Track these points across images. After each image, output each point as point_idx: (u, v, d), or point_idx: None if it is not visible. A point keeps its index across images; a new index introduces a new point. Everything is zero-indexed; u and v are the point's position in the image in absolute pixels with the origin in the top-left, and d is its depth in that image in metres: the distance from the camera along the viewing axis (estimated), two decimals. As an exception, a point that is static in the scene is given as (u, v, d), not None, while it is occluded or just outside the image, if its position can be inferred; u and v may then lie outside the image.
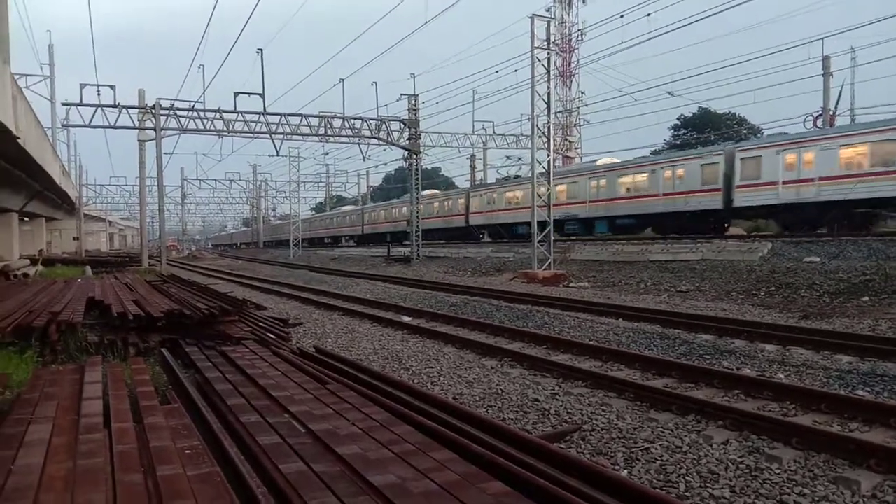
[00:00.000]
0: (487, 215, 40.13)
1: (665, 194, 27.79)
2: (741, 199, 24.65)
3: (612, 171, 31.30)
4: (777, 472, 4.67)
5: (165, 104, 28.64)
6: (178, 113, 28.96)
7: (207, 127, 29.41)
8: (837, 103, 32.54)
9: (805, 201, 22.57)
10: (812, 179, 22.20)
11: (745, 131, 48.19)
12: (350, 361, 7.68)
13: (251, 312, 12.15)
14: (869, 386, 7.02)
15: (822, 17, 35.34)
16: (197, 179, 62.83)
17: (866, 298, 13.61)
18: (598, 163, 34.26)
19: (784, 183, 23.05)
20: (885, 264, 15.46)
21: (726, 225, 27.72)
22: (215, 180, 64.59)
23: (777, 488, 4.39)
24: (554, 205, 23.47)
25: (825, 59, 32.05)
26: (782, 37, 31.40)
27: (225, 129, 29.72)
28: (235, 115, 29.38)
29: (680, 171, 27.31)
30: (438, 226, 45.31)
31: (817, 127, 30.53)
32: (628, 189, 29.79)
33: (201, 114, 29.23)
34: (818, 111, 32.66)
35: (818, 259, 17.55)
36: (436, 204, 46.30)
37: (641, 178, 29.32)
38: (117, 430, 4.27)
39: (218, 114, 29.27)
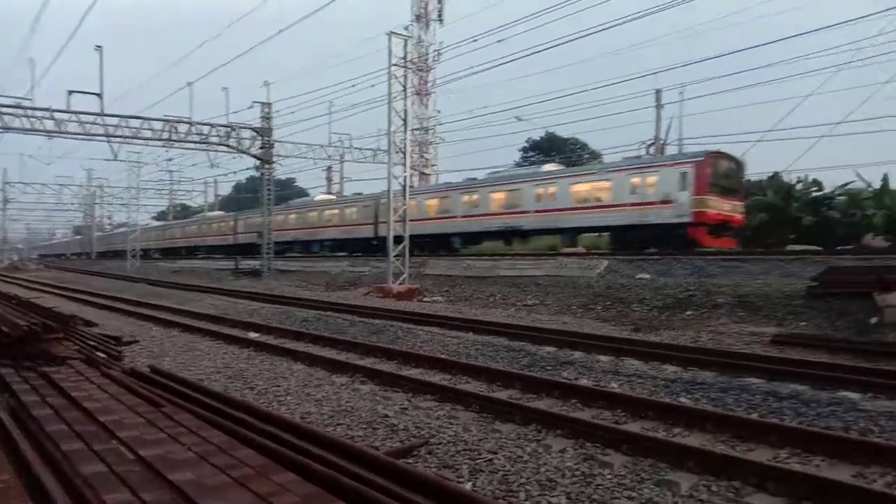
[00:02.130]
0: (249, 235, 48.60)
1: (348, 225, 39.71)
2: (380, 231, 33.80)
3: (339, 204, 42.95)
4: (609, 477, 4.94)
5: (-15, 99, 25.82)
6: (2, 110, 26.20)
7: (35, 126, 26.88)
8: (667, 133, 35.58)
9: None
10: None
11: (586, 155, 51.38)
12: (188, 382, 7.26)
13: (80, 329, 11.13)
14: (690, 393, 7.63)
15: (659, 53, 38.61)
16: (21, 183, 56.94)
17: (689, 312, 14.89)
18: (319, 198, 47.42)
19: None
20: (706, 281, 16.98)
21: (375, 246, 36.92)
22: (43, 184, 58.71)
23: (608, 493, 4.65)
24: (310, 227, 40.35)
25: (657, 92, 34.98)
26: (624, 68, 34.06)
27: (56, 129, 27.30)
28: (69, 115, 27.07)
29: (352, 210, 39.72)
30: (215, 243, 54.14)
31: (648, 154, 33.32)
32: (342, 219, 40.71)
33: (29, 111, 26.66)
34: (651, 140, 35.54)
35: (648, 276, 18.91)
36: (214, 225, 56.62)
37: (351, 211, 40.02)
38: None
39: (49, 113, 26.83)
